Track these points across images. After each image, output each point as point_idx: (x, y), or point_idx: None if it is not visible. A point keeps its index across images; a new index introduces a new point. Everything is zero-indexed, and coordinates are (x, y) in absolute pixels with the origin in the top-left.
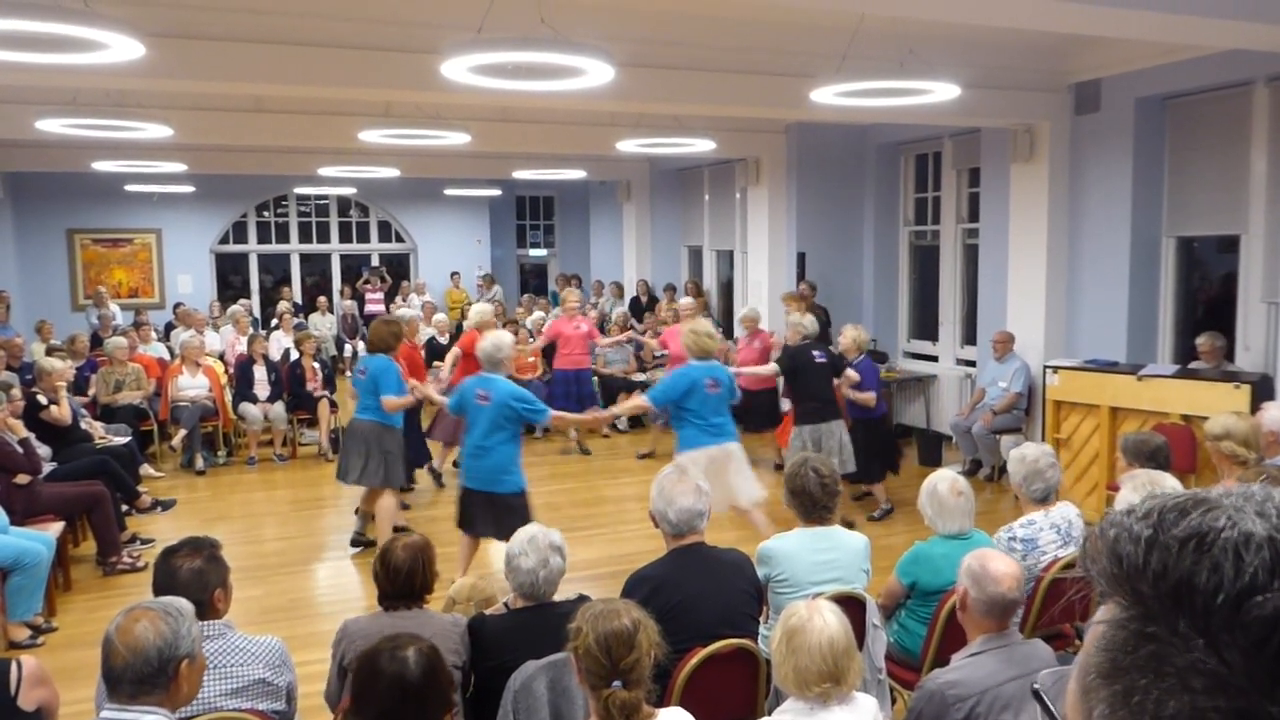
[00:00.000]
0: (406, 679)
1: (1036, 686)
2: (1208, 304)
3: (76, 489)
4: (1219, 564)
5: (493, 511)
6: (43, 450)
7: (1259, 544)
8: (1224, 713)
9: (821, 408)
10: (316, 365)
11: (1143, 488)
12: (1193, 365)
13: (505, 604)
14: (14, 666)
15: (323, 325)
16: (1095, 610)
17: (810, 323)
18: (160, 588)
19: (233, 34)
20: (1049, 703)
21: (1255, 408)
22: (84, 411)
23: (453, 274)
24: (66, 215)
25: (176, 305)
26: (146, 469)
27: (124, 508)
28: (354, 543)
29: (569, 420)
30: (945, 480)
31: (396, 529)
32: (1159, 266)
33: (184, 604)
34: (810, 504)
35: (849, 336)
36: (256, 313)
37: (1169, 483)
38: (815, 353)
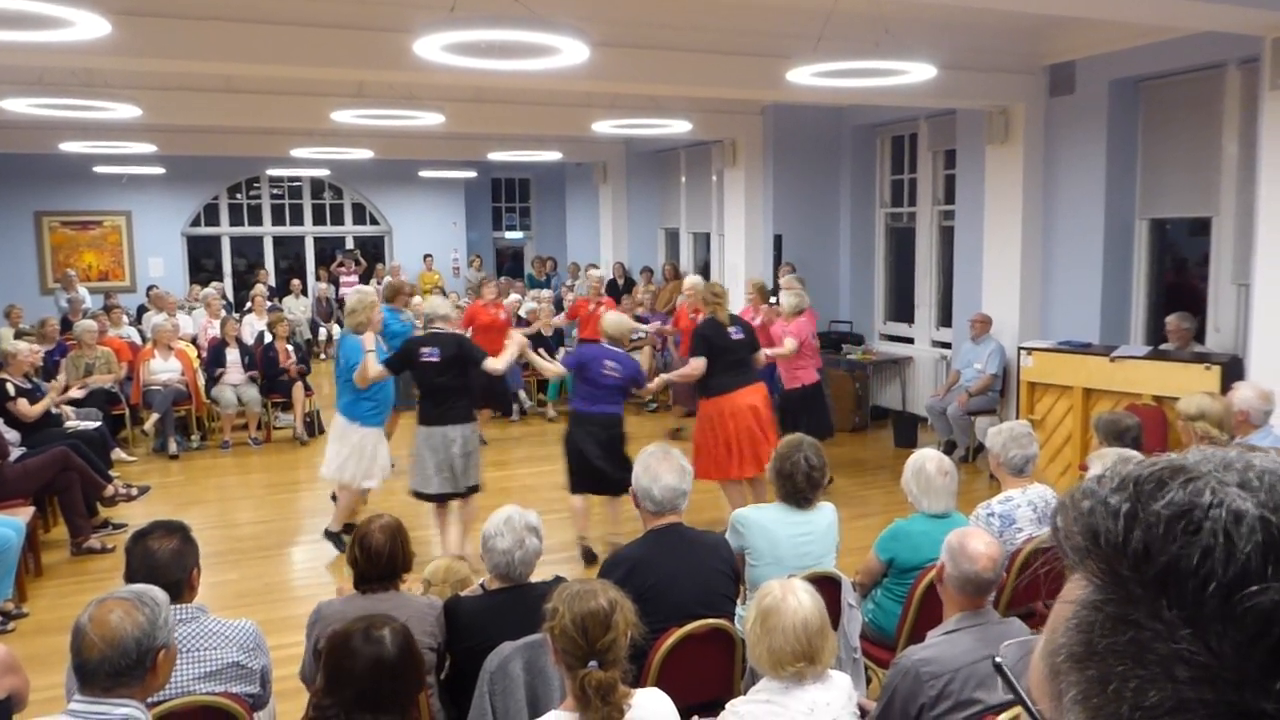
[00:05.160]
0: (384, 658)
1: (998, 660)
2: (1178, 286)
3: (40, 460)
4: (1209, 548)
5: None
6: (11, 435)
7: (1250, 525)
8: (1211, 705)
9: None
10: (290, 348)
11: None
12: (1163, 347)
13: (481, 585)
14: None
15: (297, 308)
16: (1066, 584)
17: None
18: (137, 571)
19: (202, 12)
20: (1011, 677)
21: (1225, 388)
22: (49, 389)
23: (425, 256)
24: (34, 197)
25: (150, 288)
26: (119, 453)
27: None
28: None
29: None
30: (932, 460)
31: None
32: (1132, 249)
33: (158, 592)
34: (791, 488)
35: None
36: (230, 296)
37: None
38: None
